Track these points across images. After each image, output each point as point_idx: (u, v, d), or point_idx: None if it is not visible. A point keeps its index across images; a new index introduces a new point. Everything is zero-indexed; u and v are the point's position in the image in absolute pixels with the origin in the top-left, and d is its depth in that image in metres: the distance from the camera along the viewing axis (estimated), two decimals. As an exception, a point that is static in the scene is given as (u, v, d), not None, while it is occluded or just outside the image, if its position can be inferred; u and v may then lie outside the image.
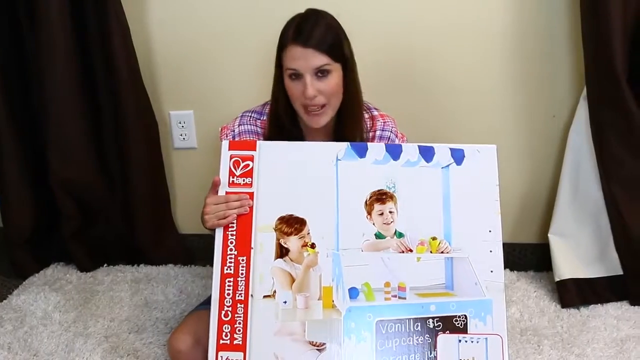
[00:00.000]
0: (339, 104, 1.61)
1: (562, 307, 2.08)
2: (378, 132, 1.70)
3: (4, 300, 2.24)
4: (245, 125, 1.70)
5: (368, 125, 1.70)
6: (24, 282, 2.36)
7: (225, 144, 1.48)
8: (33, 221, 2.38)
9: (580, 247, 2.12)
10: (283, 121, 1.65)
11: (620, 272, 2.08)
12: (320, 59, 1.52)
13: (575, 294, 2.09)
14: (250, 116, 1.71)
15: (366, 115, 1.71)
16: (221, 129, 1.73)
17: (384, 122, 1.71)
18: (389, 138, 1.70)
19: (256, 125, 1.70)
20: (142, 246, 2.42)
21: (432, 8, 2.10)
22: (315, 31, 1.53)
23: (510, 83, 2.15)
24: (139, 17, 2.22)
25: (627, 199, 1.99)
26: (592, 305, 2.08)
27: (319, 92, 1.55)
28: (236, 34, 2.20)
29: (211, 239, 1.45)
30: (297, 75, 1.55)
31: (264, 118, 1.70)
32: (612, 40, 1.85)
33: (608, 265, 2.09)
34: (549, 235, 2.14)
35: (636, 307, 2.07)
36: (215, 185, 1.46)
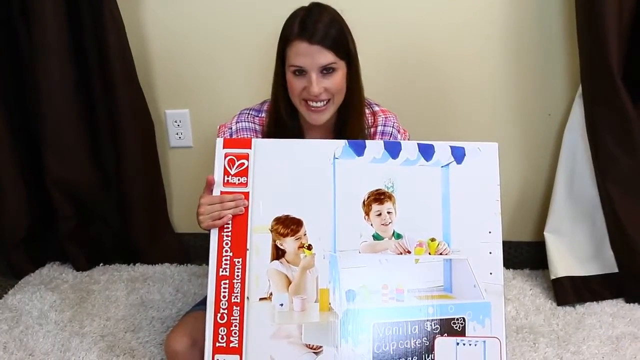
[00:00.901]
0: (341, 100, 1.60)
1: (558, 304, 2.09)
2: (379, 128, 1.68)
3: (0, 300, 2.24)
4: (243, 123, 1.69)
5: (369, 121, 1.69)
6: (19, 282, 2.36)
7: (219, 142, 1.45)
8: (29, 220, 2.37)
9: (576, 245, 2.12)
10: (283, 117, 1.63)
11: (616, 270, 2.09)
12: (326, 57, 1.51)
13: (571, 291, 2.09)
14: (249, 113, 1.70)
15: (367, 111, 1.69)
16: (219, 127, 1.72)
17: (385, 118, 1.70)
18: (391, 134, 1.68)
19: (254, 123, 1.69)
20: (138, 245, 2.41)
21: (427, 6, 2.09)
22: (319, 25, 1.51)
23: (505, 81, 2.15)
24: (134, 16, 2.20)
25: (622, 196, 1.99)
26: (587, 303, 2.09)
27: (324, 90, 1.54)
28: (232, 32, 2.18)
29: (207, 237, 1.44)
30: (301, 72, 1.54)
31: (263, 115, 1.69)
32: (607, 38, 1.85)
33: (603, 263, 2.10)
34: (544, 233, 2.15)
35: (631, 304, 2.08)
36: (209, 185, 1.45)
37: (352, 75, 1.60)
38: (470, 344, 1.37)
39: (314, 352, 1.37)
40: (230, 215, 1.41)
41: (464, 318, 1.38)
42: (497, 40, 2.10)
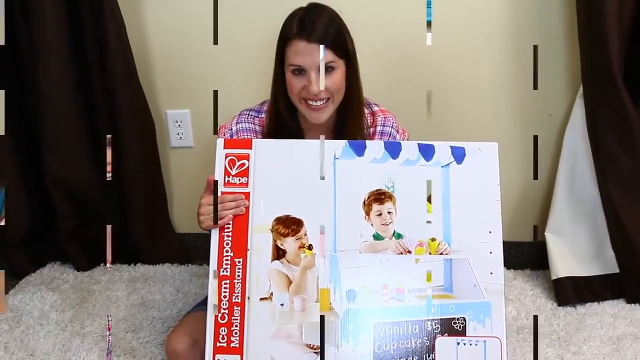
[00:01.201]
0: (341, 99, 1.61)
1: (559, 305, 2.09)
2: (379, 128, 1.69)
3: (0, 300, 2.24)
4: (243, 124, 1.69)
5: (368, 121, 1.70)
6: (20, 282, 2.36)
7: (220, 142, 1.46)
8: (29, 221, 2.37)
9: (577, 245, 2.12)
10: (283, 118, 1.64)
11: (617, 270, 2.09)
12: (325, 56, 1.51)
13: (572, 292, 2.09)
14: (249, 114, 1.71)
15: (366, 111, 1.70)
16: (219, 128, 1.71)
17: (384, 118, 1.70)
18: (390, 134, 1.69)
19: (254, 124, 1.69)
20: (139, 245, 2.41)
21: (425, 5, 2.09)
22: (318, 24, 1.52)
23: (505, 81, 2.15)
24: (135, 15, 2.21)
25: (623, 196, 2.00)
26: (588, 304, 2.08)
27: (323, 89, 1.54)
28: (232, 32, 2.18)
29: (208, 237, 1.43)
30: (300, 71, 1.55)
31: (262, 116, 1.69)
32: (608, 38, 1.85)
33: (604, 263, 2.10)
34: (545, 233, 2.15)
35: (632, 305, 2.07)
36: (209, 185, 1.45)
37: (351, 74, 1.60)
38: (470, 344, 1.37)
39: (314, 352, 1.36)
40: (231, 216, 1.41)
41: (464, 318, 1.38)
42: (497, 40, 2.10)
